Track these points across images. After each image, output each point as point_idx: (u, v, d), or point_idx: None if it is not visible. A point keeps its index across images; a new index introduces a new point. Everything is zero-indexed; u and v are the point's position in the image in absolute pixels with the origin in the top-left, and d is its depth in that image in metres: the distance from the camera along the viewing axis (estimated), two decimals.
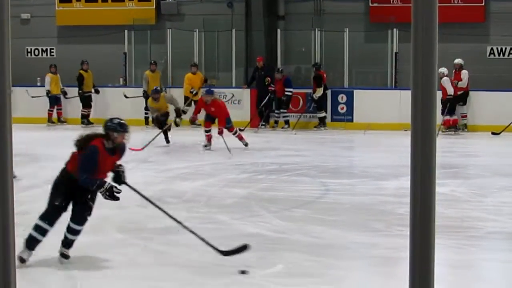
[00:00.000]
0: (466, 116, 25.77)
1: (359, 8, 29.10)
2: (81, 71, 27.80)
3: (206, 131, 20.95)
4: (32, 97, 27.90)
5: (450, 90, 25.48)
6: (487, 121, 25.93)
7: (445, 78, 25.32)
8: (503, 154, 20.36)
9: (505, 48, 28.46)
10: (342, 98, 27.25)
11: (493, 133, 24.29)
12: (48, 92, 27.65)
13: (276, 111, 27.03)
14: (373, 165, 18.16)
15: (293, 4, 29.82)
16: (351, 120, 26.91)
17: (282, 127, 26.73)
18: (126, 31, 29.40)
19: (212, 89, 22.43)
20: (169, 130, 22.10)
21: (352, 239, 10.94)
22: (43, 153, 19.66)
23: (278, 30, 28.88)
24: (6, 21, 2.14)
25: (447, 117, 25.50)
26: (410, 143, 1.94)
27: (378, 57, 27.91)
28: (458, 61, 25.92)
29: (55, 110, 28.25)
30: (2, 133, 2.16)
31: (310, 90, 27.22)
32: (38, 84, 28.84)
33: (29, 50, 30.90)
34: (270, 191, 14.73)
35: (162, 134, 21.58)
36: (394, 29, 27.50)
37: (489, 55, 28.42)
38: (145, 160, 18.77)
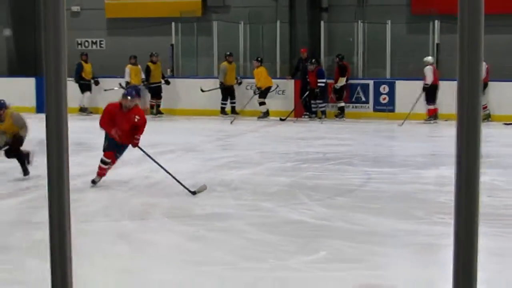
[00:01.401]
0: (486, 107, 25.43)
1: (401, 0, 29.01)
2: (149, 63, 27.75)
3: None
4: (105, 90, 27.83)
5: (429, 80, 25.47)
6: None
7: (428, 66, 25.56)
8: None
9: None
10: (384, 88, 27.13)
11: (505, 124, 24.07)
12: (127, 83, 27.26)
13: (312, 102, 26.93)
14: (413, 154, 18.11)
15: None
16: (393, 110, 26.79)
17: (320, 118, 26.59)
18: (173, 23, 29.42)
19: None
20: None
21: (393, 227, 10.92)
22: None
23: (322, 22, 28.82)
24: (62, 15, 2.15)
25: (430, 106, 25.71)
26: (456, 133, 1.93)
27: (420, 48, 27.74)
28: (428, 59, 25.98)
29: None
30: (59, 123, 2.18)
31: (351, 81, 27.26)
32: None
33: (79, 42, 31.02)
34: (314, 179, 14.72)
35: None
36: (436, 21, 27.34)
37: None
38: (193, 149, 18.81)
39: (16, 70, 30.63)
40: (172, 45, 29.50)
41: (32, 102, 27.92)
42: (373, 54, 28.33)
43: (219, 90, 27.09)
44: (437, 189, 13.10)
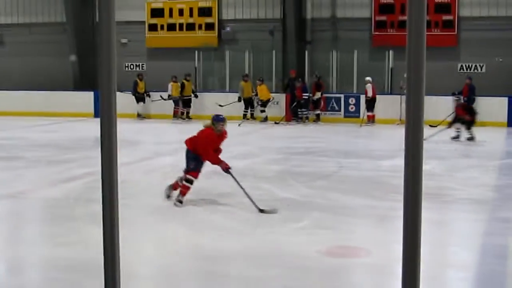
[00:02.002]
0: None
1: (365, 36, 29.13)
2: (184, 81, 27.88)
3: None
4: (152, 101, 28.44)
5: (369, 93, 26.06)
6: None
7: (368, 84, 26.13)
8: (469, 143, 20.19)
9: (472, 65, 28.44)
10: (352, 100, 27.29)
11: (430, 126, 24.05)
12: (169, 96, 27.84)
13: (299, 110, 27.11)
14: (374, 149, 18.17)
15: (317, 33, 29.87)
16: (358, 117, 26.90)
17: (304, 122, 26.80)
18: (196, 52, 29.65)
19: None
20: None
21: (359, 203, 10.94)
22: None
23: (306, 51, 29.09)
24: (112, 44, 2.16)
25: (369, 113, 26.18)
26: (405, 132, 1.94)
27: (378, 71, 27.84)
28: (367, 78, 26.47)
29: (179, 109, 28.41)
30: (110, 125, 2.18)
31: (326, 95, 27.51)
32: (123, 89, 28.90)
33: (126, 65, 31.07)
34: (299, 167, 14.74)
35: None
36: (390, 51, 27.46)
37: (460, 70, 28.36)
38: None
39: (79, 85, 30.74)
40: (195, 67, 29.61)
41: (91, 109, 28.06)
42: (343, 75, 28.40)
43: (235, 104, 27.12)
44: (391, 175, 13.11)
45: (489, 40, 27.99)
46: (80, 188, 12.11)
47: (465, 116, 20.24)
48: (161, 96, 27.90)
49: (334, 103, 27.58)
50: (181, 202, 10.58)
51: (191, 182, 10.69)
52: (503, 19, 28.10)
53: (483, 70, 28.48)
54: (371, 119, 26.13)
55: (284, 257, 7.72)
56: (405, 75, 1.87)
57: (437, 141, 18.67)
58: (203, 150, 10.66)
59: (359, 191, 11.94)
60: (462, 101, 25.00)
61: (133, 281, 6.68)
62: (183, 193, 10.66)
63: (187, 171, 10.75)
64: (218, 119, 10.90)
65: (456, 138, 20.19)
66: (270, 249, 8.06)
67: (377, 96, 26.22)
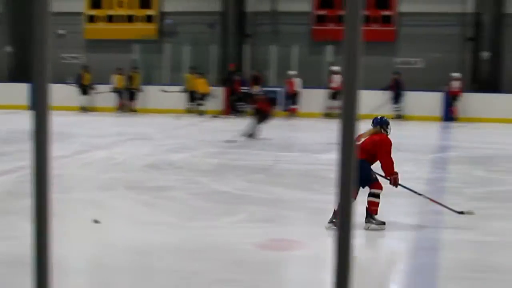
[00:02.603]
0: (337, 108, 26.26)
1: (305, 30, 29.28)
2: (132, 73, 27.92)
3: None
4: (96, 93, 28.28)
5: (298, 87, 26.94)
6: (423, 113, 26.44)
7: (293, 78, 27.00)
8: (404, 136, 20.45)
9: (410, 60, 28.87)
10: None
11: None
12: (115, 89, 27.75)
13: (237, 104, 27.17)
14: (312, 143, 18.27)
15: (257, 27, 29.93)
16: (299, 111, 27.08)
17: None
18: (135, 44, 29.52)
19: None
20: None
21: (296, 196, 10.99)
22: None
23: (246, 45, 29.15)
24: (47, 35, 2.13)
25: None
26: (340, 126, 1.96)
27: (318, 65, 28.01)
28: (333, 68, 26.81)
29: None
30: (43, 117, 2.15)
31: (266, 89, 27.59)
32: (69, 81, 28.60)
33: (63, 57, 30.66)
34: (236, 161, 14.75)
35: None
36: (329, 45, 27.66)
37: (398, 65, 28.72)
38: (148, 138, 18.73)
39: (15, 77, 30.25)
40: (134, 60, 29.41)
41: (26, 101, 27.68)
42: (283, 69, 28.45)
43: (178, 94, 27.06)
44: (328, 168, 13.19)
45: (427, 35, 28.40)
46: (13, 181, 11.94)
47: (267, 109, 19.32)
48: (108, 89, 27.76)
49: (275, 96, 27.63)
50: (383, 223, 8.96)
51: (379, 196, 9.04)
52: (441, 15, 28.52)
53: (420, 65, 28.88)
54: (294, 112, 26.59)
55: (219, 251, 7.72)
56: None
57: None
58: (386, 158, 9.29)
59: (295, 185, 12.00)
60: (391, 96, 25.61)
61: (65, 275, 6.61)
62: (375, 211, 8.94)
63: (368, 186, 9.01)
64: (386, 122, 9.62)
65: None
66: (206, 243, 8.05)
67: (314, 90, 26.58)
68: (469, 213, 9.54)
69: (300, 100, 27.10)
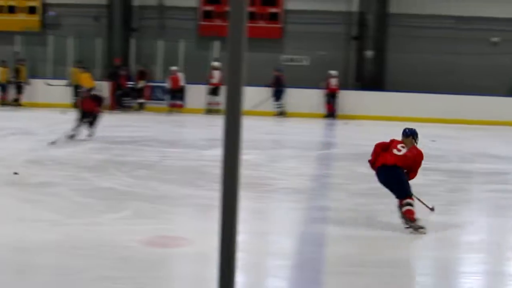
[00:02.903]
0: (219, 104, 26.41)
1: (192, 25, 29.25)
2: (18, 65, 27.12)
3: None
4: None
5: (182, 83, 26.86)
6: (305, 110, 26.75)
7: (178, 73, 26.85)
8: (289, 133, 20.72)
9: (296, 58, 29.23)
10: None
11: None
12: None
13: (124, 99, 26.95)
14: (197, 138, 18.26)
15: (144, 21, 29.69)
16: (184, 106, 27.01)
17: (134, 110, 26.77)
18: (17, 36, 28.80)
19: None
20: None
21: (181, 192, 10.97)
22: None
23: (132, 39, 28.93)
24: None
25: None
26: (224, 123, 1.95)
27: (204, 61, 27.99)
28: (214, 63, 26.98)
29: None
30: None
31: (152, 84, 27.55)
32: None
33: None
34: (122, 156, 14.60)
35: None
36: (216, 41, 27.71)
37: (284, 62, 29.03)
38: (30, 133, 18.33)
39: None
40: (16, 52, 28.68)
41: None
42: (170, 64, 28.28)
43: (64, 88, 26.57)
44: (214, 164, 13.20)
45: (313, 33, 28.79)
46: None
47: (95, 108, 17.81)
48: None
49: (159, 92, 27.51)
50: (422, 227, 8.89)
51: (413, 204, 9.02)
52: (326, 13, 28.97)
53: (306, 62, 29.27)
54: (179, 108, 26.64)
55: (103, 247, 7.61)
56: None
57: (261, 131, 18.99)
58: (416, 170, 9.29)
59: (181, 181, 11.97)
60: (272, 93, 25.91)
61: None
62: (413, 219, 8.91)
63: (406, 196, 9.04)
64: (416, 133, 9.56)
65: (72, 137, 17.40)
66: (90, 239, 7.93)
67: (201, 86, 26.61)
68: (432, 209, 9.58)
69: (185, 95, 27.08)
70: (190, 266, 7.37)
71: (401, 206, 8.95)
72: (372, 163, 9.37)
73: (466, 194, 11.89)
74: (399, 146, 9.22)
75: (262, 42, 27.63)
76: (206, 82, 27.01)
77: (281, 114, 26.36)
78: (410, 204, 8.94)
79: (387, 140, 9.45)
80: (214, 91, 26.57)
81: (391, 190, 9.10)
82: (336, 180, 12.80)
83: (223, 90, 25.86)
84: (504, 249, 8.39)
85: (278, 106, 26.72)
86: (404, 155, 9.10)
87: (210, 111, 26.60)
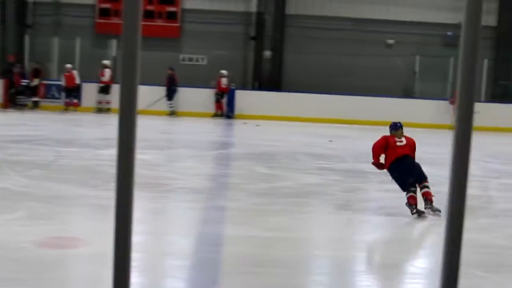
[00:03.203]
0: (109, 102, 26.42)
1: (88, 22, 28.92)
2: None
3: None
4: None
5: (77, 81, 26.82)
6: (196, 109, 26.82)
7: (73, 71, 26.88)
8: (188, 133, 20.70)
9: (194, 57, 29.23)
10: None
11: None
12: None
13: (18, 97, 26.48)
14: (93, 138, 18.07)
15: (39, 17, 29.19)
16: (80, 105, 26.76)
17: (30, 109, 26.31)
18: None
19: None
20: None
21: (77, 192, 10.81)
22: None
23: (26, 36, 28.38)
24: None
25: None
26: (118, 122, 1.94)
27: (101, 59, 27.70)
28: (104, 62, 26.84)
29: None
30: None
31: (47, 82, 27.20)
32: None
33: None
34: (16, 156, 14.29)
35: None
36: (113, 39, 27.48)
37: (182, 61, 29.03)
38: None
39: None
40: None
41: None
42: (66, 61, 27.87)
43: None
44: (110, 164, 13.04)
45: (211, 33, 28.86)
46: None
47: None
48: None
49: (55, 90, 27.10)
50: (439, 210, 9.61)
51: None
52: (225, 13, 29.08)
53: (204, 62, 29.31)
54: (74, 106, 26.39)
55: None
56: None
57: (156, 131, 18.91)
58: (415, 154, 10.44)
59: (77, 181, 11.80)
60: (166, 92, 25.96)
61: None
62: (431, 200, 9.76)
63: (422, 180, 9.94)
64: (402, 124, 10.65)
65: None
66: None
67: (96, 85, 26.48)
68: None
69: (81, 94, 26.80)
70: (86, 267, 7.27)
71: (422, 187, 9.83)
72: (380, 163, 10.42)
73: (361, 194, 12.11)
74: (396, 139, 10.27)
75: (160, 41, 27.55)
76: (97, 80, 26.84)
77: (172, 113, 26.50)
78: (428, 187, 9.83)
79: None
80: (104, 90, 26.48)
81: (410, 176, 9.87)
82: (234, 180, 12.86)
83: (114, 88, 25.92)
84: (399, 247, 8.58)
85: (170, 105, 26.78)
86: (407, 144, 10.19)
87: (101, 110, 26.45)
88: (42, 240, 7.82)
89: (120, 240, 1.96)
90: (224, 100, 27.22)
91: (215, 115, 27.03)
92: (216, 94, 27.19)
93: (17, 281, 6.48)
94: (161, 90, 26.31)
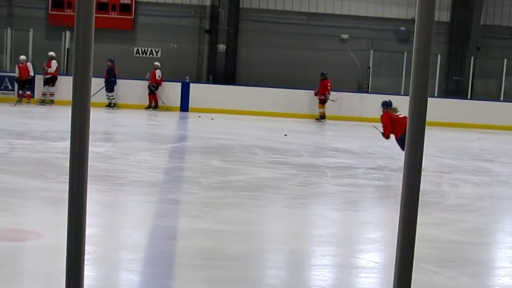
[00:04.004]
0: (53, 94, 26.42)
1: (41, 14, 28.65)
2: None
3: None
4: None
5: (31, 73, 26.66)
6: (134, 101, 26.64)
7: (27, 63, 26.66)
8: (142, 126, 20.59)
9: (148, 50, 29.09)
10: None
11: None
12: None
13: None
14: (48, 130, 17.91)
15: None
16: (33, 97, 26.51)
17: None
18: None
19: None
20: None
21: (31, 185, 10.69)
22: None
23: None
24: None
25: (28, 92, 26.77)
26: (71, 114, 1.92)
27: (55, 51, 27.45)
28: (50, 53, 26.71)
29: None
30: None
31: (1, 74, 26.93)
32: None
33: None
34: None
35: None
36: (67, 31, 27.24)
37: (136, 54, 28.90)
38: None
39: None
40: None
41: None
42: (19, 53, 27.58)
43: None
44: (64, 157, 12.94)
45: (165, 26, 28.76)
46: None
47: None
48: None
49: (8, 82, 26.79)
50: None
51: None
52: (179, 6, 29.00)
53: (159, 55, 29.20)
54: (28, 99, 26.25)
55: None
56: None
57: (110, 123, 18.76)
58: None
59: (30, 173, 11.68)
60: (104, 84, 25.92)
61: None
62: None
63: None
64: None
65: None
66: None
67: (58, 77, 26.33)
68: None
69: (34, 86, 26.61)
70: (39, 260, 7.20)
71: None
72: (388, 135, 13.42)
73: (316, 188, 12.15)
74: (395, 113, 13.06)
75: (114, 33, 27.37)
76: (42, 71, 26.65)
77: (111, 105, 26.49)
78: None
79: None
80: (49, 81, 26.37)
81: None
82: (189, 173, 12.83)
83: (58, 80, 25.81)
84: (354, 242, 8.63)
85: (110, 97, 26.74)
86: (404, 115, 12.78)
87: (44, 101, 26.31)
88: None
89: (74, 233, 1.94)
90: (159, 92, 27.27)
91: (149, 107, 27.12)
92: (150, 86, 27.19)
93: None
94: (99, 83, 26.12)
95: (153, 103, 27.15)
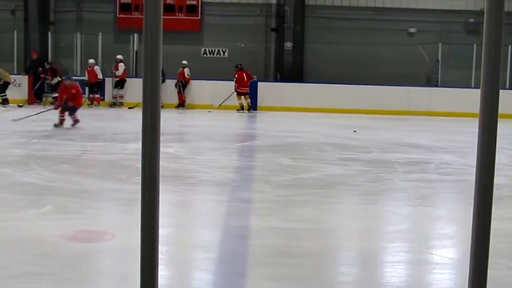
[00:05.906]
0: (122, 97, 26.74)
1: (109, 18, 29.02)
2: None
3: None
4: None
5: (100, 76, 27.07)
6: (203, 101, 26.79)
7: (95, 66, 27.00)
8: (211, 125, 20.71)
9: (215, 50, 29.23)
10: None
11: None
12: None
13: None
14: (119, 132, 18.13)
15: (61, 14, 29.33)
16: (103, 100, 26.95)
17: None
18: None
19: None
20: None
21: (104, 186, 10.85)
22: None
23: (49, 32, 28.54)
24: None
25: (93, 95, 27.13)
26: (142, 116, 1.94)
27: (123, 54, 27.79)
28: (118, 56, 26.95)
29: None
30: None
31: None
32: None
33: None
34: (42, 151, 14.38)
35: None
36: (135, 34, 27.55)
37: (203, 55, 29.07)
38: None
39: None
40: None
41: None
42: (88, 57, 28.00)
43: None
44: (136, 158, 13.11)
45: (232, 26, 28.84)
46: None
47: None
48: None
49: (79, 86, 27.25)
50: None
51: None
52: (245, 5, 29.07)
53: (226, 54, 29.31)
54: (97, 101, 26.58)
55: (24, 243, 7.47)
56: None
57: (180, 124, 18.88)
58: None
59: (103, 175, 11.85)
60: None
61: None
62: None
63: None
64: None
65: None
66: (10, 235, 7.77)
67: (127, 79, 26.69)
68: None
69: (104, 89, 26.99)
70: (114, 261, 7.30)
71: None
72: None
73: (387, 184, 12.05)
74: None
75: (181, 34, 27.57)
76: (111, 74, 27.01)
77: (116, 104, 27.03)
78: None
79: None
80: (119, 84, 26.69)
81: None
82: (259, 172, 12.86)
83: (128, 83, 26.13)
84: (427, 238, 8.53)
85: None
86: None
87: (114, 104, 26.65)
88: (70, 234, 7.86)
89: (147, 233, 1.97)
90: (185, 90, 27.32)
91: (178, 106, 27.10)
92: (178, 83, 27.17)
93: (46, 275, 6.52)
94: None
95: (181, 102, 27.13)
